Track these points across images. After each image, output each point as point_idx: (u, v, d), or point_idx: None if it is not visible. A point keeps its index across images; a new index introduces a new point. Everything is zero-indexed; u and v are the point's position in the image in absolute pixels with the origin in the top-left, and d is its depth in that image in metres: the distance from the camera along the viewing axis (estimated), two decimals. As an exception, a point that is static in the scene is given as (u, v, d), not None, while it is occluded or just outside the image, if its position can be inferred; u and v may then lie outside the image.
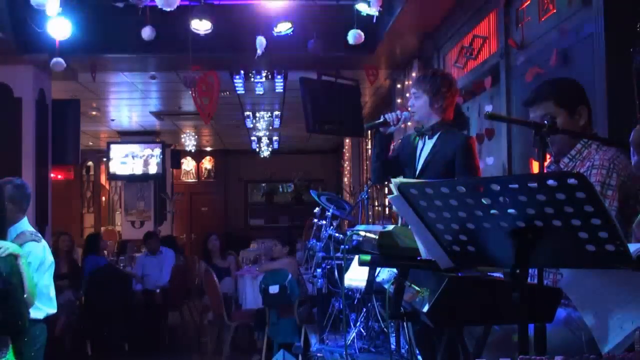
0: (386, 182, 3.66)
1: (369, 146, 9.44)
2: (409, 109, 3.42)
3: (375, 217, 9.90)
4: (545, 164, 2.36)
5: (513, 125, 4.39)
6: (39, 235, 3.70)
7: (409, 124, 3.66)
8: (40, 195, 6.99)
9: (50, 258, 3.69)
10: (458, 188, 1.46)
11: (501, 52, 4.61)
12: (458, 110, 3.59)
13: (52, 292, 3.72)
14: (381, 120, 3.44)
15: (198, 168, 17.46)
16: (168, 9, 4.72)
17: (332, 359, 4.23)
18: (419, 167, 3.35)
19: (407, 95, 6.77)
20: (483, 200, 1.43)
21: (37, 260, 3.50)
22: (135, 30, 5.53)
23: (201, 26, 5.48)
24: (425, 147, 3.37)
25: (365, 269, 3.48)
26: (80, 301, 7.29)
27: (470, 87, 5.35)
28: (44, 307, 3.61)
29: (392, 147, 3.66)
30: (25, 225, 3.69)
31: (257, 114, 11.24)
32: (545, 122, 1.90)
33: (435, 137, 3.34)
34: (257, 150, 14.71)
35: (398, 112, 3.46)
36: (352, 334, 4.24)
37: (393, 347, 3.83)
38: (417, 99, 3.35)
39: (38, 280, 3.50)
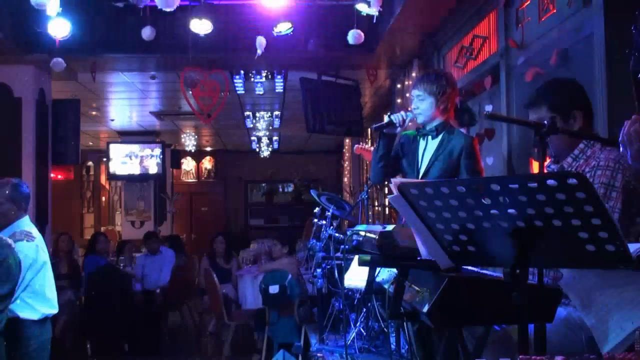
0: (386, 182, 3.64)
1: (369, 146, 9.45)
2: (413, 111, 3.39)
3: (375, 217, 9.90)
4: (545, 163, 2.35)
5: (513, 125, 4.39)
6: (32, 234, 3.68)
7: (409, 124, 3.65)
8: (40, 195, 6.99)
9: (43, 258, 3.66)
10: (458, 188, 1.46)
11: (501, 52, 4.61)
12: (464, 106, 3.57)
13: (50, 292, 3.68)
14: (388, 121, 3.41)
15: (198, 168, 17.45)
16: (168, 10, 4.72)
17: (332, 359, 4.23)
18: (423, 167, 3.34)
19: (407, 95, 6.77)
20: (483, 200, 1.43)
21: (27, 260, 3.49)
22: (135, 30, 5.53)
23: (201, 26, 5.48)
24: (428, 147, 3.36)
25: (365, 269, 3.47)
26: (80, 301, 7.28)
27: (470, 87, 5.35)
28: (39, 307, 3.58)
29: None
30: (23, 224, 3.69)
31: (257, 114, 11.23)
32: (545, 122, 1.89)
33: (439, 137, 3.33)
34: (257, 150, 14.70)
35: (403, 112, 3.43)
36: (352, 334, 4.24)
37: (393, 347, 3.83)
38: (422, 100, 3.33)
39: (30, 279, 3.51)
